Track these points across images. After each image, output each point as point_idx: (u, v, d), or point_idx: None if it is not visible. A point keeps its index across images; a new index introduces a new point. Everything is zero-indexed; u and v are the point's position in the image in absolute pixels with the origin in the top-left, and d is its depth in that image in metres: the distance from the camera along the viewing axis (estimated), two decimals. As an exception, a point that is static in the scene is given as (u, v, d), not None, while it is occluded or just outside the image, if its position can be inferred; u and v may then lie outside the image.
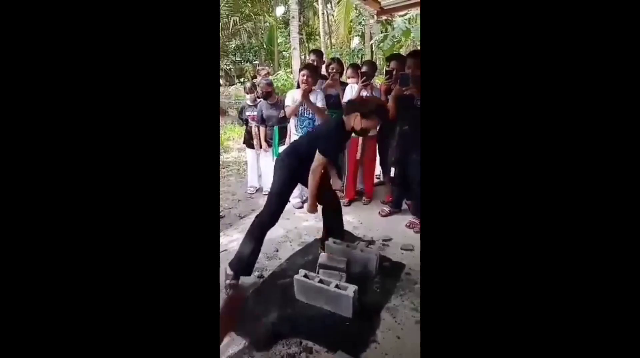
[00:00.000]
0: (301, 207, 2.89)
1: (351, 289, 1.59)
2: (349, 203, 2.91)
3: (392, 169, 2.59)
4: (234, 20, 8.87)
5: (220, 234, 2.47)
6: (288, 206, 2.83)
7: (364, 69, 2.67)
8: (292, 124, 2.77)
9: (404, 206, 2.72)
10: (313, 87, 2.65)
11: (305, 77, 2.57)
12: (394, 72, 2.40)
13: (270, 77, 3.27)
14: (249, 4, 9.08)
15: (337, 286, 1.62)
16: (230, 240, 2.38)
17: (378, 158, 2.91)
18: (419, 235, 2.35)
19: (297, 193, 2.90)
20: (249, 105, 3.24)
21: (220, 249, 2.26)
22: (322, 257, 1.91)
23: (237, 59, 10.56)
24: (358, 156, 2.72)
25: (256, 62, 9.92)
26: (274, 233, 2.43)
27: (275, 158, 2.90)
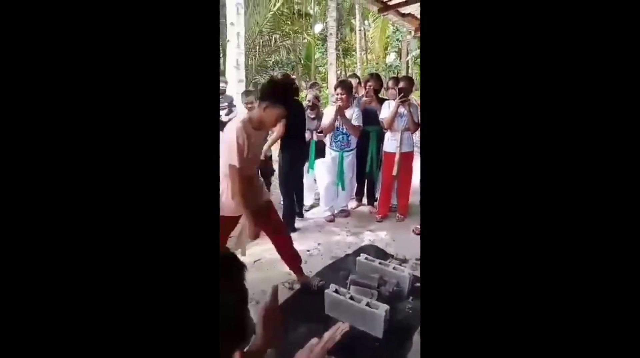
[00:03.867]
0: (332, 220, 2.89)
1: (383, 308, 1.55)
2: (382, 220, 2.87)
3: None
4: (274, 38, 9.26)
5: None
6: (319, 220, 2.86)
7: (401, 84, 2.66)
8: (327, 139, 2.82)
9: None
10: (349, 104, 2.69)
11: (339, 95, 2.62)
12: None
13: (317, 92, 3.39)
14: (289, 23, 9.45)
15: (368, 304, 1.59)
16: (264, 250, 2.41)
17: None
18: (455, 257, 2.25)
19: (328, 207, 2.91)
20: None
21: (255, 259, 2.30)
22: (355, 273, 1.88)
23: (275, 74, 10.95)
24: (394, 171, 2.68)
25: (294, 77, 10.23)
26: (304, 245, 2.44)
27: (310, 171, 2.94)
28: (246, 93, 2.63)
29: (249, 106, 2.48)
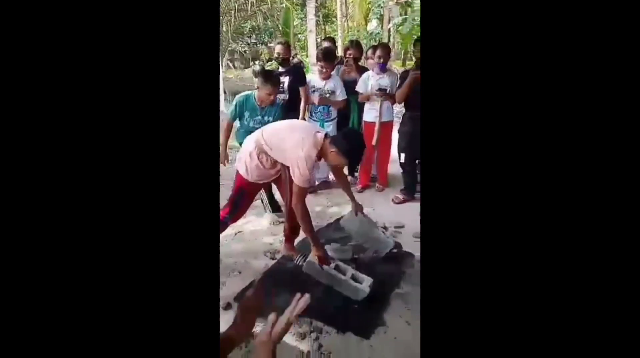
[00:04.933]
0: (314, 191, 2.90)
1: (367, 283, 1.60)
2: (362, 190, 2.91)
3: (402, 155, 2.56)
4: (250, 2, 8.73)
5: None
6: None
7: (378, 53, 2.61)
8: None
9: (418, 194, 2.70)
10: (332, 73, 2.64)
11: (322, 69, 2.56)
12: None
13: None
14: (266, -15, 8.91)
15: (352, 276, 1.64)
16: (245, 222, 2.42)
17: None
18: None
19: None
20: None
21: (236, 231, 2.31)
22: (331, 245, 1.94)
23: (252, 41, 10.46)
24: (373, 141, 2.69)
25: (271, 45, 9.81)
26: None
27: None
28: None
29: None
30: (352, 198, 1.94)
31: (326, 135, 1.60)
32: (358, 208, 1.97)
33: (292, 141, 1.55)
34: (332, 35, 4.67)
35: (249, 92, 2.24)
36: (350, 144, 1.55)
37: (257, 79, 2.12)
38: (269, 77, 2.09)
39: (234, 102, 2.19)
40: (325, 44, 3.17)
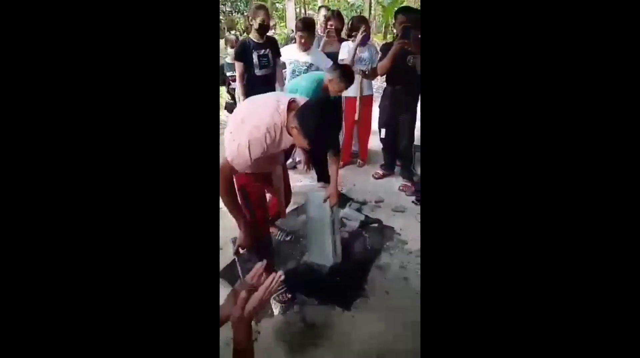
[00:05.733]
0: (294, 167, 2.88)
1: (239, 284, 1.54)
2: (343, 166, 2.91)
3: (382, 131, 2.56)
4: (224, -34, 8.18)
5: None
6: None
7: (361, 28, 2.52)
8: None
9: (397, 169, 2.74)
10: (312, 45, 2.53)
11: (301, 39, 2.43)
12: (402, 27, 2.25)
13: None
14: (240, -53, 8.33)
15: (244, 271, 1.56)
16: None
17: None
18: (410, 198, 2.40)
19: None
20: (229, 63, 2.76)
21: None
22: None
23: (227, 9, 9.88)
24: (356, 116, 2.66)
25: (247, 13, 9.33)
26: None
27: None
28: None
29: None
30: (334, 186, 1.57)
31: (291, 104, 1.14)
32: (332, 199, 1.56)
33: (252, 113, 1.16)
34: (312, 8, 4.43)
35: (315, 78, 2.02)
36: (317, 120, 1.05)
37: (332, 73, 1.90)
38: (349, 75, 1.93)
39: (307, 93, 1.88)
40: (323, 11, 3.00)
